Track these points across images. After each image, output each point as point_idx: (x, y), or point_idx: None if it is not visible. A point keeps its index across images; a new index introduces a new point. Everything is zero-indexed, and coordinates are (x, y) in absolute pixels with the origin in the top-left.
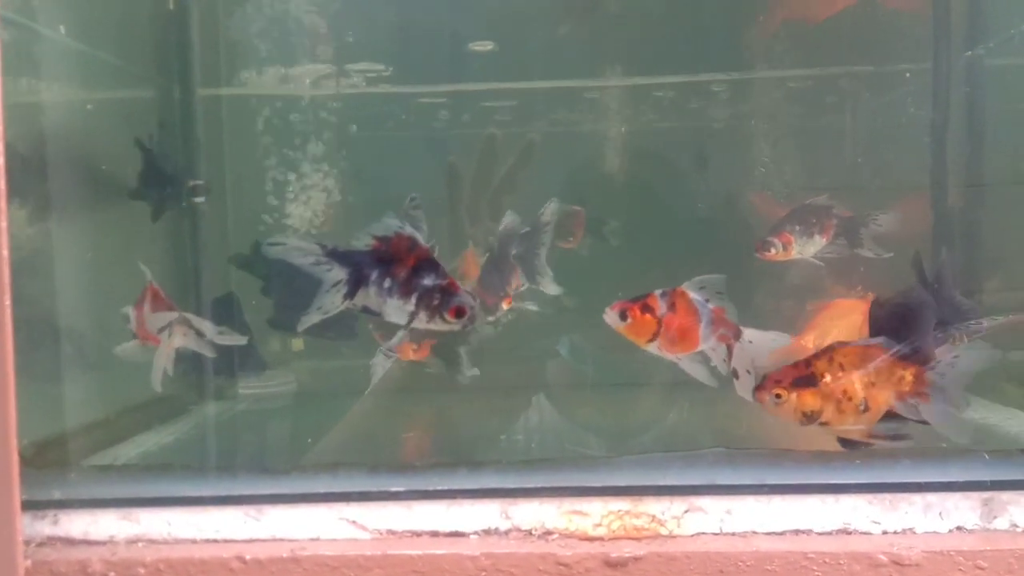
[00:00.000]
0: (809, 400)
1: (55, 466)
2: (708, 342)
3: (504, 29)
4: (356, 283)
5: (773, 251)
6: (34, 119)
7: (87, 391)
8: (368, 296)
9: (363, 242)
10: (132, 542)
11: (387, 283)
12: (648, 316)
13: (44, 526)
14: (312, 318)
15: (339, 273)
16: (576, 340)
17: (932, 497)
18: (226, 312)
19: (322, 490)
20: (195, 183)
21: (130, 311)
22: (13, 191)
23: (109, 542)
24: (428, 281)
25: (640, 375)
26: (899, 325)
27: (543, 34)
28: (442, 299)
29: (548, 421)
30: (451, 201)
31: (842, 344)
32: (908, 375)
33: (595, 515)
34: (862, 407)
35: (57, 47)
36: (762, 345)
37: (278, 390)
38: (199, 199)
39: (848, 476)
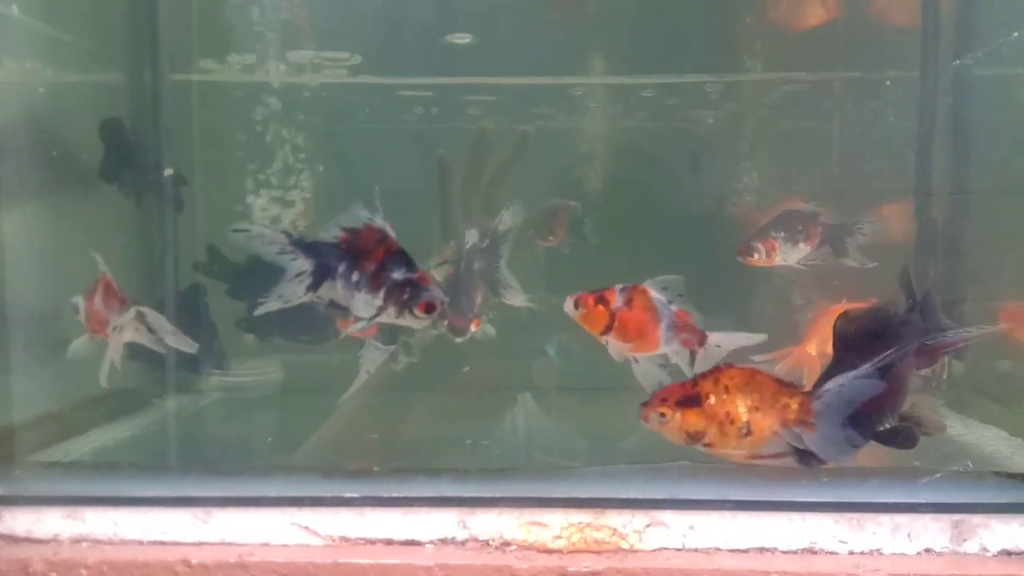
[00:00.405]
0: (693, 420)
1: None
2: (670, 345)
3: (485, 23)
4: (321, 275)
5: (756, 256)
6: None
7: (40, 382)
8: (334, 289)
9: (331, 233)
10: (77, 542)
11: (355, 276)
12: (601, 308)
13: None
14: (271, 306)
15: (304, 263)
16: (564, 341)
17: (901, 518)
18: (192, 304)
19: (274, 493)
20: (169, 172)
21: (80, 301)
22: None
23: (53, 541)
24: (398, 275)
25: (629, 379)
26: (866, 342)
27: (525, 28)
28: (412, 294)
29: (526, 424)
30: (441, 196)
31: (729, 366)
32: (793, 402)
33: (555, 527)
34: (744, 431)
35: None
36: (729, 348)
37: (250, 380)
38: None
39: (815, 494)
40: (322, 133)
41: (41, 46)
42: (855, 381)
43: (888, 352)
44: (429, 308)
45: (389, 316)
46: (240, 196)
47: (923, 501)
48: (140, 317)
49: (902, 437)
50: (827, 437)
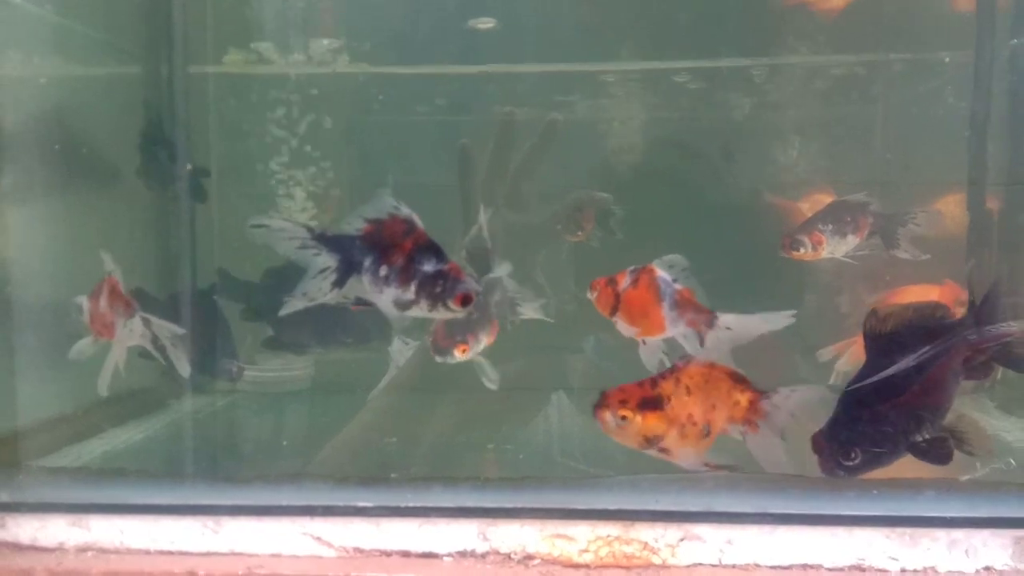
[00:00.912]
0: (654, 423)
1: (4, 466)
2: (676, 326)
3: (509, 7)
4: (347, 270)
5: (801, 250)
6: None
7: (52, 384)
8: (361, 285)
9: (354, 226)
10: (82, 550)
11: (383, 271)
12: (608, 289)
13: None
14: (295, 304)
15: (328, 259)
16: (602, 337)
17: (958, 533)
18: (207, 304)
19: (285, 502)
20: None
21: (84, 301)
22: None
23: (58, 549)
24: (429, 267)
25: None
26: (900, 345)
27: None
28: (445, 286)
29: (558, 427)
30: (463, 188)
31: (687, 363)
32: (744, 401)
33: (581, 540)
34: (705, 431)
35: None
36: (744, 331)
37: (277, 376)
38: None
39: (863, 507)
40: (344, 124)
41: (60, 39)
42: (808, 389)
43: (918, 353)
44: (465, 300)
45: (421, 310)
46: (258, 190)
47: (983, 515)
48: (146, 324)
49: (936, 452)
50: (766, 441)
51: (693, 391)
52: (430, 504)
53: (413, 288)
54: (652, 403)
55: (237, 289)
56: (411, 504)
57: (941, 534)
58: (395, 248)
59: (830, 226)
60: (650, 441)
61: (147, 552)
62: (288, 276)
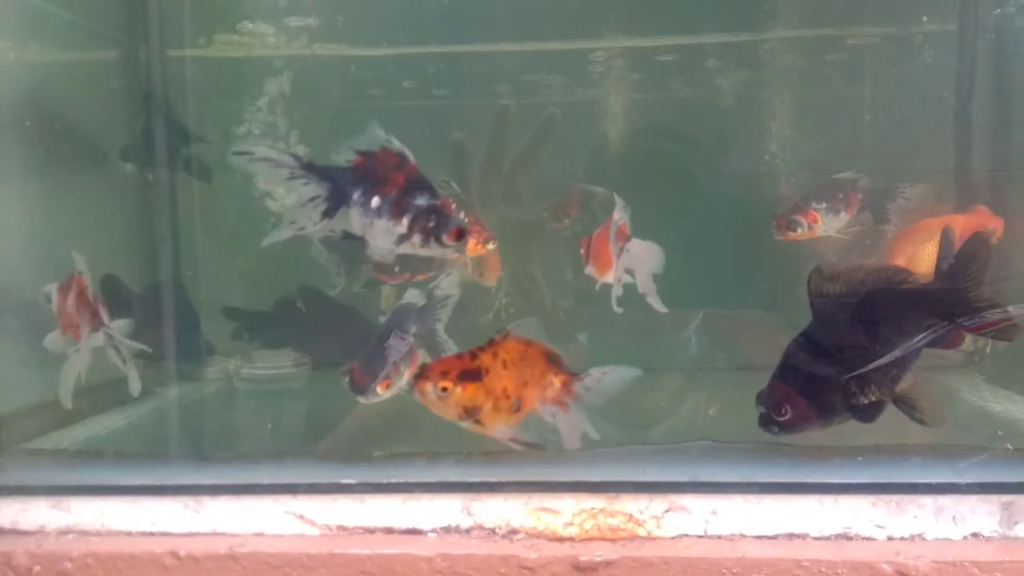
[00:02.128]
0: (473, 395)
1: None
2: (620, 258)
3: None
4: (337, 201)
5: (799, 231)
6: None
7: (35, 370)
8: (350, 218)
9: (345, 157)
10: (63, 533)
11: (374, 202)
12: (586, 240)
13: None
14: (283, 233)
15: (318, 188)
16: (596, 329)
17: (945, 500)
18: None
19: (267, 481)
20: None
21: (53, 291)
22: None
23: (39, 532)
24: (422, 201)
25: (660, 361)
26: (846, 307)
27: None
28: (439, 221)
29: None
30: (458, 183)
31: (505, 338)
32: (557, 381)
33: (566, 513)
34: (516, 406)
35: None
36: (639, 254)
37: (273, 372)
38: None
39: (849, 475)
40: (330, 110)
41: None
42: (617, 370)
43: (918, 339)
44: (459, 235)
45: (412, 246)
46: (241, 178)
47: (969, 481)
48: (108, 339)
49: (868, 411)
50: (575, 422)
51: (509, 365)
52: (413, 480)
53: (405, 222)
54: (471, 375)
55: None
56: (394, 480)
57: (927, 501)
58: (388, 181)
59: (823, 204)
60: (469, 412)
61: (128, 534)
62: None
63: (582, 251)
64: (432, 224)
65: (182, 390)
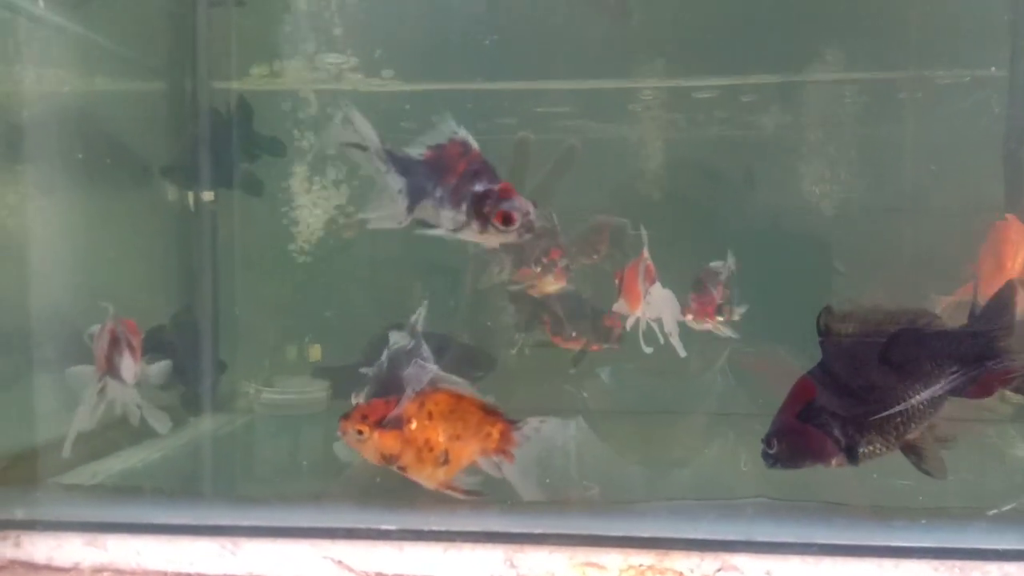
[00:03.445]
0: (390, 443)
1: (20, 483)
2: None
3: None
4: (416, 195)
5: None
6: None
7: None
8: (425, 208)
9: (417, 151)
10: (98, 571)
11: (439, 192)
12: (618, 273)
13: (6, 548)
14: (380, 222)
15: (397, 181)
16: (618, 364)
17: (1011, 567)
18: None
19: (306, 524)
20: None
21: (95, 333)
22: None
23: (73, 569)
24: (479, 186)
25: (683, 402)
26: (863, 351)
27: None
28: (492, 204)
29: (579, 451)
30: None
31: (435, 390)
32: (495, 432)
33: (613, 569)
34: (442, 459)
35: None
36: (659, 301)
37: (296, 398)
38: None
39: (911, 537)
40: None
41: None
42: (555, 421)
43: (948, 379)
44: (506, 219)
45: (473, 232)
46: (279, 205)
47: None
48: (102, 391)
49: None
50: (525, 469)
51: (435, 417)
52: (455, 528)
53: (464, 208)
54: (391, 423)
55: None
56: (435, 528)
57: (993, 568)
58: (450, 170)
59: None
60: (387, 459)
61: (164, 574)
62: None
63: (616, 283)
64: (487, 209)
65: (215, 421)
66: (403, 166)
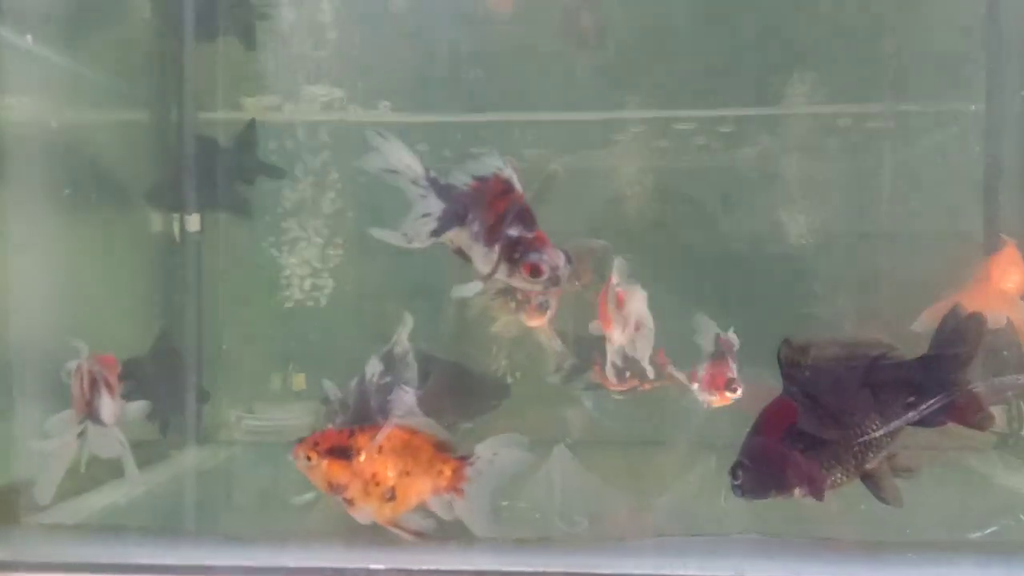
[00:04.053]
0: (336, 473)
1: (0, 522)
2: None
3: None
4: (447, 222)
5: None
6: None
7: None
8: (461, 237)
9: (461, 180)
10: None
11: (475, 227)
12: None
13: None
14: (391, 238)
15: (433, 205)
16: (602, 391)
17: None
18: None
19: (292, 564)
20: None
21: (72, 369)
22: None
23: None
24: (513, 231)
25: (669, 431)
26: (822, 381)
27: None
28: (522, 253)
29: (565, 482)
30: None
31: (389, 424)
32: (447, 469)
33: None
34: (388, 495)
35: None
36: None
37: (278, 425)
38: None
39: (904, 571)
40: (349, 171)
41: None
42: (510, 451)
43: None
44: (534, 271)
45: (503, 274)
46: (265, 234)
47: None
48: (82, 434)
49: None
50: (477, 505)
51: (386, 451)
52: (445, 567)
53: (497, 249)
54: (340, 452)
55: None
56: (425, 567)
57: None
58: (489, 206)
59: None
60: (333, 489)
61: None
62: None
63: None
64: (516, 256)
65: (200, 454)
66: (444, 192)
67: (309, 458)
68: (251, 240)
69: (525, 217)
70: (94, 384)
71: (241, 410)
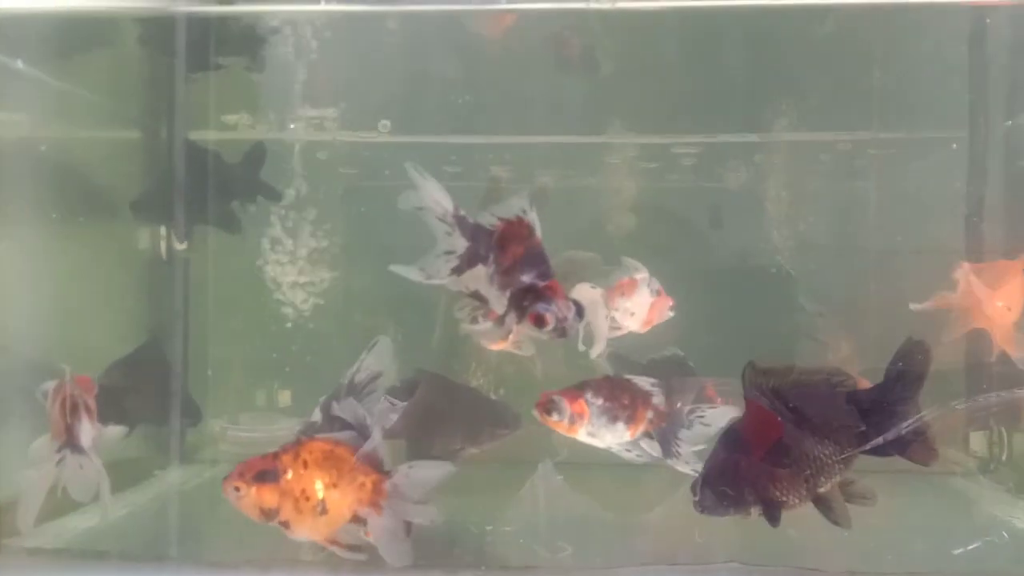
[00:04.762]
0: (266, 496)
1: None
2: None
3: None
4: (469, 261)
5: (555, 417)
6: None
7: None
8: (479, 279)
9: (487, 221)
10: None
11: (493, 269)
12: None
13: None
14: (412, 274)
15: (458, 243)
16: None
17: None
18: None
19: None
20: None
21: (50, 390)
22: None
23: None
24: (526, 277)
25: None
26: (784, 404)
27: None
28: (531, 302)
29: (549, 505)
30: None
31: (311, 438)
32: (368, 482)
33: None
34: (320, 509)
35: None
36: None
37: (260, 435)
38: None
39: None
40: (341, 190)
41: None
42: (427, 465)
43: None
44: (538, 321)
45: (512, 320)
46: (255, 252)
47: None
48: (60, 462)
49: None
50: (390, 522)
51: (311, 466)
52: None
53: (508, 294)
54: (267, 476)
55: None
56: None
57: None
58: (507, 250)
59: (600, 402)
60: (267, 515)
61: None
62: None
63: None
64: (525, 304)
65: (184, 474)
66: (470, 231)
67: (238, 488)
68: (239, 256)
69: (540, 264)
70: (75, 408)
71: (226, 421)
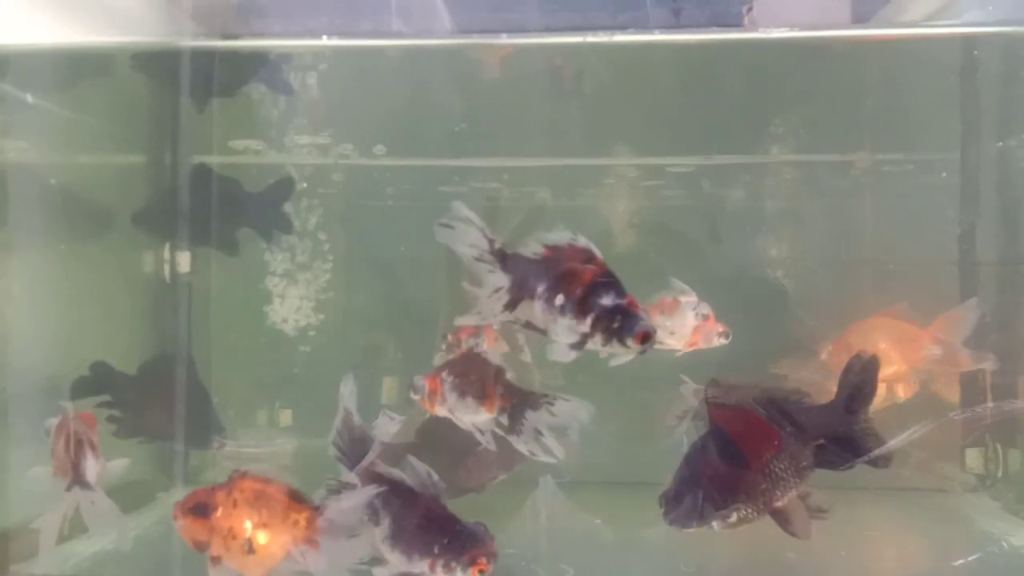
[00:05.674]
0: (198, 530)
1: None
2: None
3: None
4: (520, 294)
5: (415, 395)
6: None
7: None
8: (533, 310)
9: (532, 249)
10: None
11: (559, 300)
12: None
13: None
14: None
15: (502, 279)
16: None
17: None
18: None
19: None
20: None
21: (52, 428)
22: None
23: None
24: (607, 300)
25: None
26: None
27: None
28: (624, 323)
29: (551, 525)
30: (450, 269)
31: (243, 476)
32: (302, 519)
33: None
34: (247, 548)
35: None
36: None
37: (261, 451)
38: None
39: None
40: (339, 212)
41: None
42: (354, 495)
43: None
44: (646, 338)
45: (595, 344)
46: (259, 274)
47: None
48: (74, 497)
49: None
50: (329, 557)
51: (240, 504)
52: None
53: (589, 321)
54: (200, 510)
55: None
56: None
57: None
58: (573, 278)
59: (451, 379)
60: (199, 547)
61: None
62: None
63: None
64: (616, 325)
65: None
66: (512, 264)
67: (175, 517)
68: (242, 279)
69: (615, 285)
70: (79, 445)
71: (222, 436)
